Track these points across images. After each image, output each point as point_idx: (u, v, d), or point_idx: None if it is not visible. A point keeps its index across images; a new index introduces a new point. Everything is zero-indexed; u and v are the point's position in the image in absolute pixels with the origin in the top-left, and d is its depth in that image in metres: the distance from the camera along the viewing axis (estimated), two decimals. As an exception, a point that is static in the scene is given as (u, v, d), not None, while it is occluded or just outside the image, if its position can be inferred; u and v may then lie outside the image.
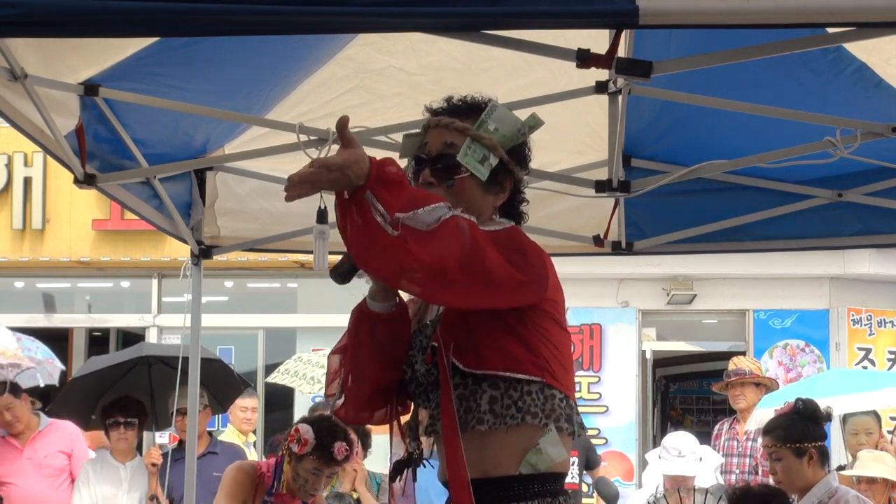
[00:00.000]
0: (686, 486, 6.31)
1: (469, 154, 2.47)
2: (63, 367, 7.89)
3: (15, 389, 6.49)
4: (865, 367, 11.48)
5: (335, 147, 3.87)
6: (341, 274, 2.43)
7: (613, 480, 9.10)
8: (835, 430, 7.90)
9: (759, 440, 6.89)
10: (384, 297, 2.51)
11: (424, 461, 2.62)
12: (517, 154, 2.57)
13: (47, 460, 6.48)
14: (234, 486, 4.47)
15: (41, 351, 7.89)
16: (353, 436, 4.68)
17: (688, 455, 6.33)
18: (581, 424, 2.52)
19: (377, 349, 2.52)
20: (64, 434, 6.60)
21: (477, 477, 2.41)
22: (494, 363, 2.42)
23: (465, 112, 2.54)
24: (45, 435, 6.54)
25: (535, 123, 2.54)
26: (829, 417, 4.64)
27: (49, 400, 7.23)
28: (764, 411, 6.60)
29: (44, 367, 7.69)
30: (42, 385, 7.59)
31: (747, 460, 7.09)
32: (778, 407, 4.76)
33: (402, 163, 2.57)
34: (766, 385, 7.39)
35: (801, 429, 4.43)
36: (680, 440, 6.52)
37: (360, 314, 2.54)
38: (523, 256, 2.39)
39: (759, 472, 6.95)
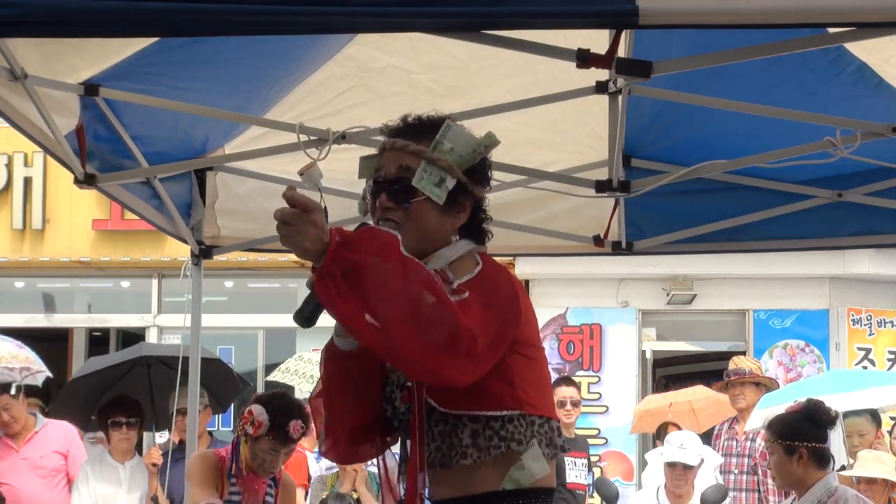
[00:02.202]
0: (686, 478, 6.31)
1: (425, 177, 2.40)
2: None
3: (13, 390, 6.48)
4: (865, 367, 11.47)
5: (335, 147, 3.90)
6: (306, 318, 2.30)
7: (613, 480, 9.09)
8: (835, 431, 7.89)
9: (759, 440, 6.91)
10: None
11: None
12: (477, 173, 2.49)
13: (43, 461, 6.47)
14: (203, 474, 4.39)
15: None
16: (308, 410, 4.62)
17: (689, 448, 6.35)
18: (562, 447, 2.47)
19: (350, 388, 2.45)
20: (60, 435, 6.60)
21: (461, 495, 2.40)
22: (471, 402, 2.36)
23: (421, 132, 2.46)
24: (41, 435, 6.53)
25: (490, 143, 2.47)
26: (833, 421, 4.64)
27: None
28: (763, 411, 6.60)
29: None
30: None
31: (746, 460, 7.09)
32: (787, 405, 4.78)
33: (362, 183, 2.53)
34: (766, 385, 7.39)
35: (797, 427, 4.47)
36: (683, 436, 6.57)
37: (329, 354, 2.46)
38: (502, 331, 2.32)
39: (759, 472, 6.95)
